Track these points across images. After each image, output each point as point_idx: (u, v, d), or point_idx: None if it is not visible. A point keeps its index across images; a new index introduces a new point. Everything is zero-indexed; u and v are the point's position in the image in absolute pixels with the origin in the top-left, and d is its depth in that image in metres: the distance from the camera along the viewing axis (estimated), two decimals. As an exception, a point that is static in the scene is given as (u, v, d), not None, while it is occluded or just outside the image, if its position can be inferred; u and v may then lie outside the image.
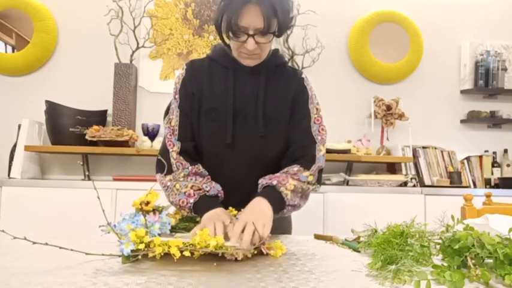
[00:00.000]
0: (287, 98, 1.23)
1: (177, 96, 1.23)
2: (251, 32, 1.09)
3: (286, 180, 1.12)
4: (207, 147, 1.22)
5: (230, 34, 1.12)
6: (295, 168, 1.16)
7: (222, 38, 1.20)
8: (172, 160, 1.19)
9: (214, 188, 1.16)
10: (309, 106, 1.24)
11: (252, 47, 1.11)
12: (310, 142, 1.21)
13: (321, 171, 1.22)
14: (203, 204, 1.11)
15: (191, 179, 1.17)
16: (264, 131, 1.19)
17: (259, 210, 1.02)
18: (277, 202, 1.09)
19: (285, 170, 1.17)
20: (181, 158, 1.18)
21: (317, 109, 1.25)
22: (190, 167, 1.17)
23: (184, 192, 1.13)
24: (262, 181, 1.14)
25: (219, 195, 1.17)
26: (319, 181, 1.22)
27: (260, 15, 1.07)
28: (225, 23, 1.12)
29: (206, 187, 1.15)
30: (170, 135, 1.21)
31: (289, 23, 1.16)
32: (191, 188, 1.14)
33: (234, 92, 1.19)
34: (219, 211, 1.07)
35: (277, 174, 1.15)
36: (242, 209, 1.11)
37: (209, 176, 1.20)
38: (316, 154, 1.20)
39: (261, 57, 1.19)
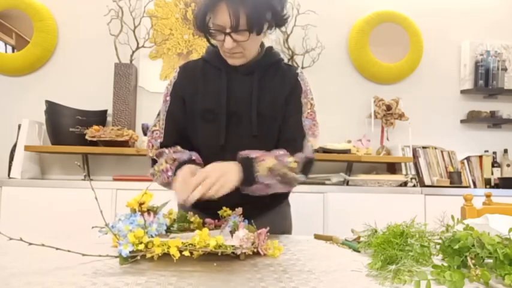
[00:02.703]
0: (282, 96, 1.21)
1: (167, 98, 1.23)
2: (227, 30, 1.08)
3: (268, 157, 1.08)
4: (204, 150, 1.21)
5: (207, 34, 1.12)
6: (281, 151, 1.12)
7: (208, 39, 1.18)
8: (154, 157, 1.20)
9: (187, 153, 1.15)
10: (302, 100, 1.21)
11: (229, 45, 1.09)
12: (300, 136, 1.18)
13: (309, 164, 1.17)
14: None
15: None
16: (259, 130, 1.17)
17: (225, 170, 0.99)
18: (249, 173, 1.03)
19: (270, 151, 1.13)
20: (158, 150, 1.20)
21: (311, 104, 1.22)
22: (167, 150, 1.18)
23: (162, 170, 1.14)
24: (242, 153, 1.08)
25: (193, 157, 1.14)
26: (306, 173, 1.16)
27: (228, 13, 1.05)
28: (200, 23, 1.11)
29: (178, 156, 1.14)
30: (151, 138, 1.23)
31: (265, 19, 1.10)
32: (166, 162, 1.14)
33: (227, 93, 1.18)
34: (184, 169, 1.04)
35: (260, 151, 1.09)
36: (237, 209, 1.10)
37: (189, 152, 1.18)
38: (304, 144, 1.16)
39: (245, 55, 1.16)
